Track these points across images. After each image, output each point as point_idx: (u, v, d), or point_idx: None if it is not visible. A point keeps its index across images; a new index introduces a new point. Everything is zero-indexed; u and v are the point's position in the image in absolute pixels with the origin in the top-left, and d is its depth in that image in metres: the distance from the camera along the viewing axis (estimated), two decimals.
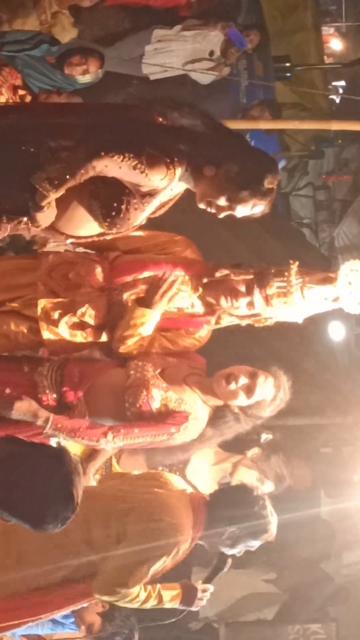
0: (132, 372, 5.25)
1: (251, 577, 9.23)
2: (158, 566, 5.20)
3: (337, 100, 13.44)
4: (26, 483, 3.84)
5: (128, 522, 5.21)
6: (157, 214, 5.20)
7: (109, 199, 4.88)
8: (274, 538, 5.33)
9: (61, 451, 4.03)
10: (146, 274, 5.42)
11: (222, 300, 5.25)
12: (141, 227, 5.48)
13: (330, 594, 9.85)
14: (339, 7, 16.01)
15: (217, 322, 5.52)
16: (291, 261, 5.30)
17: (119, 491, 5.47)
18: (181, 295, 5.40)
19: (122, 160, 4.65)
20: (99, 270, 5.39)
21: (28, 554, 5.33)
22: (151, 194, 4.86)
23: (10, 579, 5.35)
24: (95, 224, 5.00)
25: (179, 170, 4.79)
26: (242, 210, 4.89)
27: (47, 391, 5.34)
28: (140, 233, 5.51)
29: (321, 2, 14.72)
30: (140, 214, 4.98)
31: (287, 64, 11.80)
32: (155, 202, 4.98)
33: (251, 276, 5.24)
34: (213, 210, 4.94)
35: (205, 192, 4.88)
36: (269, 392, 5.24)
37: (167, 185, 4.86)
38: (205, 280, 5.39)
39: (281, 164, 12.02)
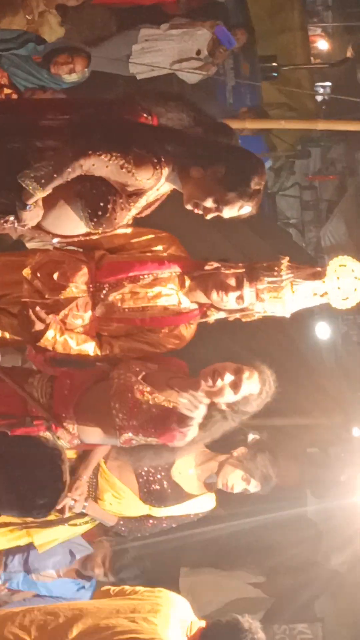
0: (115, 380, 5.20)
1: (239, 581, 9.06)
2: None
3: (320, 100, 13.67)
4: (19, 474, 4.10)
5: None
6: (143, 214, 5.15)
7: (95, 198, 4.84)
8: None
9: (52, 447, 4.26)
10: (132, 274, 5.38)
11: (213, 294, 5.22)
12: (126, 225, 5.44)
13: (317, 594, 9.73)
14: (325, 8, 16.17)
15: (204, 317, 5.48)
16: (281, 256, 5.28)
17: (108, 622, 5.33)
18: (167, 293, 5.37)
19: (110, 160, 4.62)
20: (84, 270, 5.36)
21: None
22: (137, 193, 4.83)
23: None
24: (82, 223, 4.95)
25: (165, 171, 4.77)
26: (229, 212, 4.85)
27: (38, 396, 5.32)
28: (124, 230, 5.44)
29: (308, 3, 14.71)
30: (127, 214, 4.94)
31: (274, 64, 11.79)
32: (141, 202, 4.94)
33: (242, 270, 5.22)
34: (200, 212, 4.91)
35: (192, 193, 4.85)
36: (255, 386, 5.20)
37: (154, 185, 4.83)
38: (195, 274, 5.37)
39: (267, 164, 12.06)
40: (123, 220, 5.01)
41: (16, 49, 7.96)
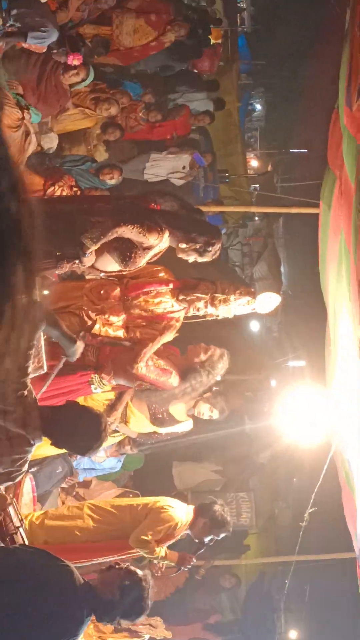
0: (136, 350, 5.90)
1: (207, 469, 10.25)
2: (157, 533, 5.78)
3: (254, 195, 13.99)
4: (78, 430, 4.16)
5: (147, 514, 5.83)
6: (152, 260, 5.85)
7: (125, 251, 5.51)
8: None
9: (96, 413, 4.30)
10: (144, 290, 6.02)
11: (192, 308, 6.04)
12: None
13: (250, 473, 10.96)
14: (255, 141, 17.11)
15: (186, 313, 6.11)
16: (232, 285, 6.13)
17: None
18: (165, 300, 6.03)
19: (133, 228, 5.34)
20: (117, 289, 6.03)
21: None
22: (149, 248, 5.52)
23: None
24: (116, 265, 5.67)
25: (165, 235, 5.49)
26: (204, 258, 5.70)
27: (91, 358, 5.93)
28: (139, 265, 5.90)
29: (245, 138, 15.34)
30: (143, 260, 5.60)
31: (226, 174, 12.47)
32: (151, 253, 5.63)
33: (208, 296, 6.01)
34: (186, 258, 5.76)
35: (181, 248, 5.65)
36: (218, 359, 6.22)
37: (158, 243, 5.53)
38: (181, 297, 6.03)
39: (223, 231, 12.67)
40: (141, 263, 5.66)
41: (80, 165, 8.53)
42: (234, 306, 6.13)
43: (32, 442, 3.90)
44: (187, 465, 10.12)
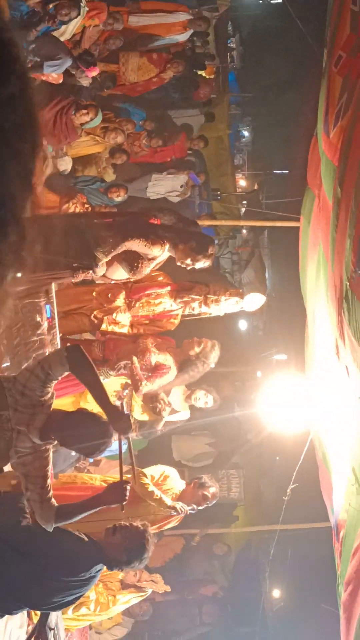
0: (140, 343, 6.06)
1: (201, 442, 10.26)
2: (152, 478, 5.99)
3: (243, 211, 13.89)
4: (86, 436, 3.96)
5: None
6: (154, 268, 5.93)
7: (132, 261, 5.56)
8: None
9: (104, 421, 4.04)
10: (146, 292, 6.18)
11: (188, 307, 6.20)
12: None
13: (240, 452, 11.01)
14: (244, 163, 17.23)
15: (183, 311, 6.27)
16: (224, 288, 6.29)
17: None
18: (164, 301, 6.20)
19: (139, 242, 5.42)
20: (123, 292, 6.18)
21: None
22: (153, 258, 5.64)
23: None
24: (125, 274, 5.75)
25: (166, 247, 5.60)
26: (199, 265, 5.75)
27: (98, 353, 6.03)
28: None
29: (235, 161, 15.66)
30: (147, 269, 5.68)
31: (218, 192, 12.31)
32: (155, 262, 5.75)
33: (202, 297, 6.17)
34: (184, 266, 5.79)
35: (180, 257, 5.70)
36: (209, 349, 6.24)
37: (161, 254, 5.65)
38: (178, 298, 6.19)
39: (215, 242, 11.18)
40: (146, 272, 5.73)
41: (91, 185, 8.63)
42: (225, 305, 6.18)
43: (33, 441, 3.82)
44: (184, 440, 10.13)
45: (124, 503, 4.03)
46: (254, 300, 6.39)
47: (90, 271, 5.31)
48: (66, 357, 3.75)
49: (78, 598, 4.32)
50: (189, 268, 5.69)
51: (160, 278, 6.26)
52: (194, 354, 6.21)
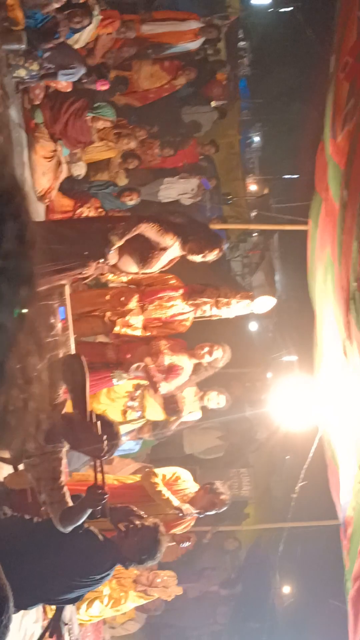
0: (153, 345, 6.13)
1: (212, 435, 10.13)
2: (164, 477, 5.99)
3: (253, 214, 13.66)
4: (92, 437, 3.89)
5: None
6: (165, 268, 5.89)
7: (144, 252, 5.52)
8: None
9: (111, 421, 4.10)
10: (158, 295, 6.17)
11: (200, 310, 6.19)
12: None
13: (251, 450, 11.04)
14: (254, 168, 17.24)
15: (194, 314, 6.27)
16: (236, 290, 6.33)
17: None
18: (176, 304, 6.21)
19: (153, 226, 5.35)
20: (136, 296, 6.20)
21: None
22: (164, 248, 5.52)
23: None
24: (135, 265, 5.65)
25: (179, 239, 5.52)
26: (209, 257, 5.66)
27: (112, 355, 6.16)
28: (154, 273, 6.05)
29: (245, 166, 15.47)
30: (158, 262, 5.59)
31: (229, 196, 12.42)
32: (166, 255, 5.60)
33: (213, 300, 6.18)
34: (194, 259, 5.67)
35: (190, 250, 5.62)
36: (220, 353, 6.30)
37: (172, 245, 5.52)
38: (190, 301, 6.20)
39: (226, 245, 10.48)
40: (156, 266, 5.63)
41: (104, 189, 8.69)
42: (235, 308, 6.19)
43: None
44: (195, 434, 10.07)
45: (101, 508, 3.98)
46: (264, 303, 6.40)
47: (102, 260, 5.25)
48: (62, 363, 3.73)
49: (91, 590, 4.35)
50: (198, 261, 5.64)
51: (173, 281, 6.24)
52: (207, 363, 6.24)
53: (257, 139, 18.35)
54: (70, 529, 3.80)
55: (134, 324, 6.18)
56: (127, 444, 7.59)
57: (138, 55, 9.37)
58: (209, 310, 6.18)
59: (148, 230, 5.29)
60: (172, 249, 5.51)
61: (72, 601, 4.37)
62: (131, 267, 5.57)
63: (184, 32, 9.89)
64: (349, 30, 4.09)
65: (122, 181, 8.87)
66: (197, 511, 5.87)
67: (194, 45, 10.15)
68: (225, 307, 6.17)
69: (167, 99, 10.19)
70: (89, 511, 3.87)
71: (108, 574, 4.24)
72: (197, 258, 5.54)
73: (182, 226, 5.62)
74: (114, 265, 5.51)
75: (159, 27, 9.62)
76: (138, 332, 6.20)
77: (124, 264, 5.56)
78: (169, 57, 9.83)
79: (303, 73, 12.95)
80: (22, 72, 6.17)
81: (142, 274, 5.65)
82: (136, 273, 5.64)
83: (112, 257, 5.29)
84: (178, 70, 9.72)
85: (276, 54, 15.33)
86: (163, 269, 5.82)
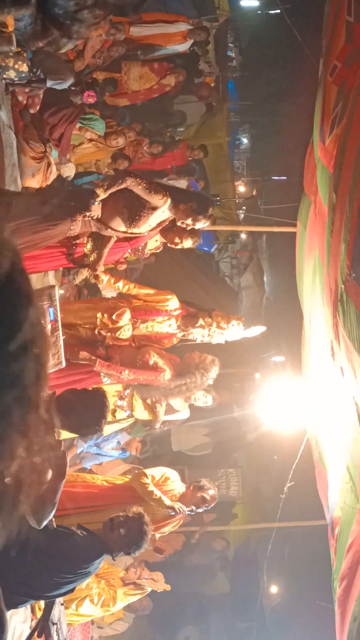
0: (143, 349, 6.13)
1: (199, 433, 10.29)
2: (153, 478, 6.03)
3: (242, 216, 14.01)
4: (79, 412, 4.01)
5: None
6: (154, 230, 5.62)
7: (133, 210, 5.35)
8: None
9: (100, 393, 4.24)
10: (151, 317, 6.12)
11: (192, 335, 6.15)
12: (146, 279, 6.54)
13: (238, 450, 11.23)
14: (242, 170, 17.38)
15: (184, 336, 6.26)
16: (231, 316, 6.20)
17: None
18: (170, 324, 6.20)
19: (141, 182, 5.20)
20: (128, 312, 6.10)
21: None
22: (154, 208, 5.36)
23: None
24: (123, 224, 5.40)
25: (169, 200, 5.35)
26: (199, 225, 5.54)
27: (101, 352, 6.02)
28: (150, 291, 6.22)
29: (234, 167, 15.46)
30: (146, 222, 5.43)
31: (217, 198, 12.02)
32: (155, 216, 5.43)
33: (205, 330, 6.11)
34: (184, 226, 5.52)
35: (180, 216, 5.46)
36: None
37: (162, 205, 5.35)
38: (182, 327, 6.15)
39: (214, 247, 12.97)
40: (144, 226, 5.46)
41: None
42: (227, 335, 6.18)
43: None
44: (183, 432, 10.15)
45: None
46: (255, 330, 6.36)
47: (87, 212, 5.17)
48: None
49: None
50: (189, 228, 5.56)
51: (168, 305, 6.20)
52: (194, 364, 6.27)
53: (245, 140, 18.53)
54: (44, 522, 3.70)
55: (123, 338, 6.16)
56: (115, 452, 7.71)
57: (127, 57, 9.37)
58: (200, 338, 6.17)
59: (135, 186, 5.19)
60: (162, 211, 5.44)
61: (63, 595, 4.47)
62: (119, 225, 5.47)
63: (173, 34, 9.84)
64: (337, 34, 4.12)
65: None
66: (189, 509, 5.95)
67: (182, 47, 10.17)
68: (218, 335, 6.17)
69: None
70: (59, 493, 3.75)
71: (97, 566, 4.34)
72: (188, 221, 5.45)
73: (173, 189, 5.61)
74: (103, 223, 5.41)
75: (148, 29, 9.63)
76: (125, 343, 6.18)
77: (112, 221, 5.46)
78: (158, 59, 9.85)
79: (292, 75, 13.03)
80: (11, 74, 6.15)
81: (130, 233, 5.54)
82: (124, 232, 5.52)
83: (96, 209, 5.20)
84: (166, 72, 9.66)
85: (265, 56, 15.40)
86: (152, 230, 5.73)
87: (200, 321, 6.05)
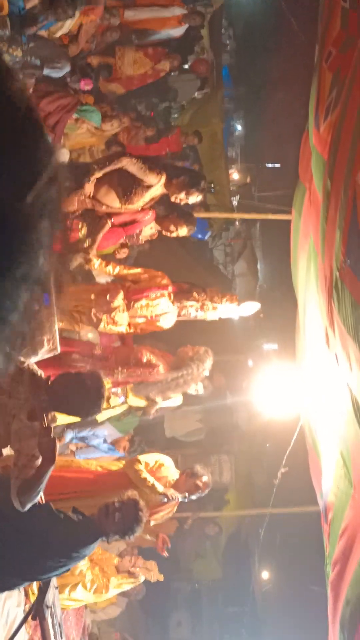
0: (136, 348, 6.33)
1: (192, 419, 10.39)
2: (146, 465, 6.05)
3: (235, 203, 14.13)
4: (77, 395, 3.99)
5: None
6: (147, 206, 5.77)
7: (128, 187, 5.52)
8: None
9: (96, 375, 4.17)
10: (144, 294, 6.11)
11: (185, 310, 6.16)
12: (139, 266, 6.26)
13: (231, 437, 11.25)
14: (236, 157, 17.31)
15: (178, 314, 6.23)
16: (222, 292, 6.28)
17: None
18: (162, 303, 6.17)
19: (136, 162, 5.40)
20: (121, 293, 6.08)
21: None
22: (148, 187, 5.55)
23: None
24: (117, 200, 5.60)
25: (162, 177, 5.56)
26: (192, 199, 5.73)
27: (98, 349, 6.16)
28: (139, 270, 6.24)
29: (228, 154, 15.26)
30: (141, 198, 5.58)
31: (212, 185, 12.20)
32: (150, 192, 5.59)
33: (199, 304, 6.15)
34: (177, 201, 5.68)
35: (174, 191, 5.66)
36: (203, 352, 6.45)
37: (156, 183, 5.53)
38: (176, 303, 6.15)
39: (208, 234, 13.15)
40: (139, 202, 5.63)
41: None
42: (220, 311, 6.20)
43: None
44: (176, 419, 10.17)
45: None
46: (249, 307, 6.40)
47: (81, 190, 5.28)
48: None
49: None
50: (182, 203, 5.66)
51: (159, 279, 6.20)
52: (188, 357, 6.27)
53: (239, 127, 18.44)
54: (28, 505, 3.73)
55: (119, 322, 6.13)
56: (106, 446, 7.79)
57: (121, 42, 9.33)
58: (194, 312, 6.16)
59: (130, 165, 5.30)
60: (156, 188, 5.53)
61: (58, 575, 4.53)
62: (114, 201, 5.55)
63: (167, 18, 9.84)
64: (332, 20, 4.11)
65: None
66: (182, 495, 5.96)
67: (177, 32, 10.13)
68: (212, 311, 6.18)
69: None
70: (45, 478, 3.78)
71: (91, 549, 4.38)
72: (181, 196, 5.55)
73: (167, 166, 5.69)
74: (97, 200, 5.47)
75: (142, 12, 9.58)
76: (123, 329, 6.18)
77: (107, 198, 5.55)
78: (152, 43, 9.80)
79: (287, 62, 12.96)
80: (6, 58, 6.08)
81: (125, 209, 5.60)
82: (119, 209, 5.60)
83: (89, 187, 5.29)
84: (161, 57, 9.68)
85: (260, 42, 15.29)
86: (145, 206, 5.81)
87: (195, 294, 6.06)
